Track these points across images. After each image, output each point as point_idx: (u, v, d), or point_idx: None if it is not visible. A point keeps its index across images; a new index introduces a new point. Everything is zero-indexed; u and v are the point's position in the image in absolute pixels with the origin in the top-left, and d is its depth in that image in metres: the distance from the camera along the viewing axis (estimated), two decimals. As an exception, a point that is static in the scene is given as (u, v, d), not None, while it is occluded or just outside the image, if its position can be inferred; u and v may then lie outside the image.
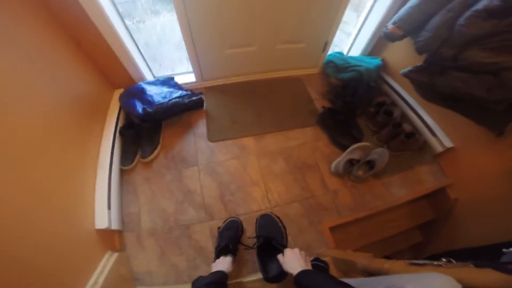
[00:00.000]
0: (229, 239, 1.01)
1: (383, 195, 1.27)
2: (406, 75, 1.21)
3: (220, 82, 1.66)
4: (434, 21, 1.01)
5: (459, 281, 0.46)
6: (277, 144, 1.38)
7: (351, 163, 1.25)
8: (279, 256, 0.83)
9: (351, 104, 1.38)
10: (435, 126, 1.36)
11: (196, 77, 1.59)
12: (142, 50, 1.45)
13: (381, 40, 1.56)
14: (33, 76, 0.87)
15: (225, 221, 1.12)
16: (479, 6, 0.87)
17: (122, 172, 1.25)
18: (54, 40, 1.02)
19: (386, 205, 1.25)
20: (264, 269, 0.87)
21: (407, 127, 1.39)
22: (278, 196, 1.21)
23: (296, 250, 0.81)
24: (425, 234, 1.45)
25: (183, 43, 1.36)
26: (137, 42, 1.40)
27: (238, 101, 1.58)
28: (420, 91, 1.25)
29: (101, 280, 0.90)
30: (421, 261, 0.67)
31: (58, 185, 0.89)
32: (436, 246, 1.39)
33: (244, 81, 1.67)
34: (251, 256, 1.05)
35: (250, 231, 1.12)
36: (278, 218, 1.07)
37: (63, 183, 0.91)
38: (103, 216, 1.03)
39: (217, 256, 0.97)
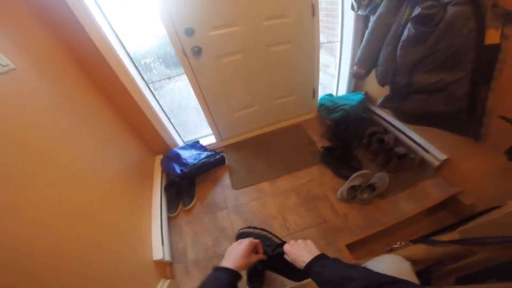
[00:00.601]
0: (257, 262, 1.17)
1: (392, 212, 1.39)
2: (381, 105, 1.41)
3: (235, 140, 2.05)
4: (381, 57, 1.21)
5: (405, 257, 0.64)
6: (288, 184, 1.64)
7: (354, 189, 1.45)
8: (286, 257, 0.80)
9: (344, 140, 1.64)
10: (426, 143, 1.53)
11: (215, 138, 1.99)
12: (169, 118, 1.86)
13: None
14: (107, 153, 1.30)
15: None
16: (404, 36, 1.04)
17: (169, 219, 1.58)
18: (113, 122, 1.48)
19: (397, 219, 1.35)
20: (288, 275, 0.91)
21: (400, 150, 1.57)
22: (295, 224, 1.42)
23: (292, 242, 0.79)
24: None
25: (199, 108, 1.77)
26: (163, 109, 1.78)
27: (252, 153, 1.93)
28: (398, 116, 1.44)
29: None
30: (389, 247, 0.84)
31: (127, 228, 1.22)
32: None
33: (254, 136, 2.06)
34: (277, 275, 1.14)
35: None
36: (249, 227, 1.14)
37: (130, 227, 1.25)
38: (158, 250, 1.30)
39: (248, 277, 1.14)
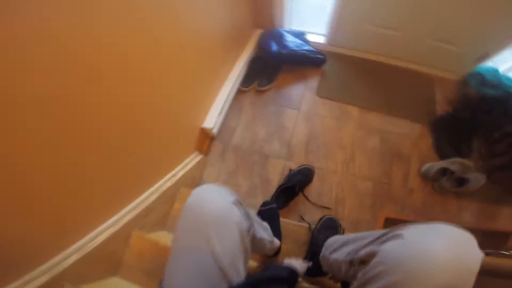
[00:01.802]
0: (298, 182, 1.12)
1: (451, 214, 1.24)
2: None
3: (347, 51, 1.63)
4: None
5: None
6: (380, 123, 1.38)
7: (444, 172, 1.22)
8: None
9: (478, 120, 1.26)
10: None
11: (325, 39, 1.61)
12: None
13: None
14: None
15: (300, 166, 1.22)
16: None
17: (237, 93, 1.43)
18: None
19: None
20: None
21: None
22: (358, 168, 1.27)
23: None
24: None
25: (325, 7, 1.45)
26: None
27: (357, 74, 1.57)
28: None
29: (179, 174, 1.03)
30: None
31: (196, 78, 1.04)
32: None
33: (369, 59, 1.62)
34: (304, 208, 1.16)
35: (316, 184, 1.23)
36: (340, 226, 1.02)
37: (201, 79, 1.08)
38: (213, 118, 1.20)
39: (278, 193, 1.09)
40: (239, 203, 0.51)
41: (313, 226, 0.99)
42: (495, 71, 1.47)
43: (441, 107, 1.45)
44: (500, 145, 1.28)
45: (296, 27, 1.64)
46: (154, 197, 0.90)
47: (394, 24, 1.38)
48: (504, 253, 0.66)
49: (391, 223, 1.23)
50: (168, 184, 0.98)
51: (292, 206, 1.17)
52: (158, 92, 0.78)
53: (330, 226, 0.99)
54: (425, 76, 1.58)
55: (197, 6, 0.85)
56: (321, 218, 1.03)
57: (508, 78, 1.42)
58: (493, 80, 1.37)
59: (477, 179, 1.23)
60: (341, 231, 1.00)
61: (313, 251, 0.83)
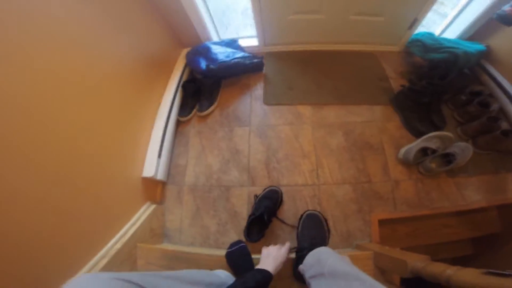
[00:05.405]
0: (265, 209, 0.95)
1: (453, 196, 1.07)
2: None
3: (282, 48, 1.57)
4: None
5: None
6: (337, 117, 1.24)
7: (424, 152, 1.07)
8: None
9: (439, 87, 1.15)
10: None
11: (258, 41, 1.54)
12: (211, 12, 1.44)
13: (489, 25, 1.27)
14: (113, 30, 0.90)
15: (265, 189, 1.06)
16: None
17: (178, 124, 1.30)
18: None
19: (453, 208, 1.06)
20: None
21: (504, 125, 1.13)
22: (329, 173, 1.10)
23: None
24: (478, 247, 1.23)
25: (249, 9, 1.36)
26: (207, 3, 1.39)
27: (299, 68, 1.47)
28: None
29: (131, 232, 0.90)
30: (507, 272, 0.50)
31: (118, 125, 0.91)
32: (486, 263, 1.17)
33: (307, 50, 1.55)
34: (283, 232, 1.01)
35: (289, 204, 1.06)
36: (326, 220, 0.97)
37: (123, 124, 0.94)
38: (152, 164, 1.05)
39: (249, 225, 0.94)
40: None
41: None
42: (432, 34, 1.43)
43: (396, 82, 1.34)
44: (472, 107, 1.16)
45: (230, 36, 1.56)
46: (104, 262, 0.79)
47: (312, 6, 1.32)
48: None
49: (383, 225, 1.05)
50: (118, 245, 0.85)
51: (269, 234, 1.00)
52: (78, 154, 0.72)
53: (314, 225, 0.94)
54: (369, 54, 1.50)
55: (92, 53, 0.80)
56: (301, 217, 0.97)
57: (446, 39, 1.38)
58: (434, 44, 1.31)
59: (463, 150, 1.07)
60: (326, 225, 0.95)
61: (299, 256, 0.80)
